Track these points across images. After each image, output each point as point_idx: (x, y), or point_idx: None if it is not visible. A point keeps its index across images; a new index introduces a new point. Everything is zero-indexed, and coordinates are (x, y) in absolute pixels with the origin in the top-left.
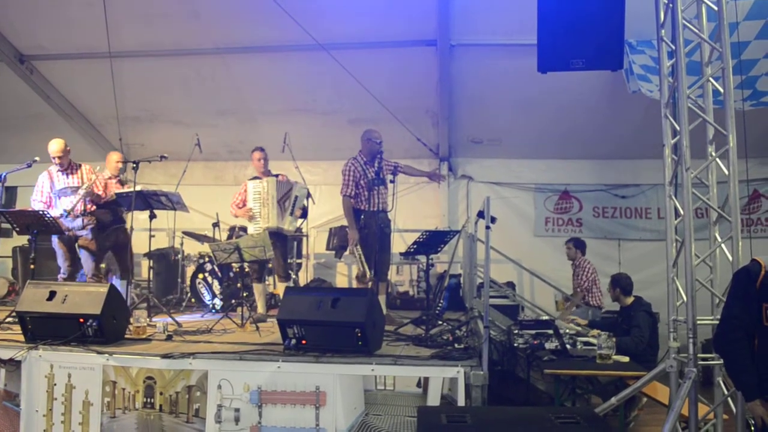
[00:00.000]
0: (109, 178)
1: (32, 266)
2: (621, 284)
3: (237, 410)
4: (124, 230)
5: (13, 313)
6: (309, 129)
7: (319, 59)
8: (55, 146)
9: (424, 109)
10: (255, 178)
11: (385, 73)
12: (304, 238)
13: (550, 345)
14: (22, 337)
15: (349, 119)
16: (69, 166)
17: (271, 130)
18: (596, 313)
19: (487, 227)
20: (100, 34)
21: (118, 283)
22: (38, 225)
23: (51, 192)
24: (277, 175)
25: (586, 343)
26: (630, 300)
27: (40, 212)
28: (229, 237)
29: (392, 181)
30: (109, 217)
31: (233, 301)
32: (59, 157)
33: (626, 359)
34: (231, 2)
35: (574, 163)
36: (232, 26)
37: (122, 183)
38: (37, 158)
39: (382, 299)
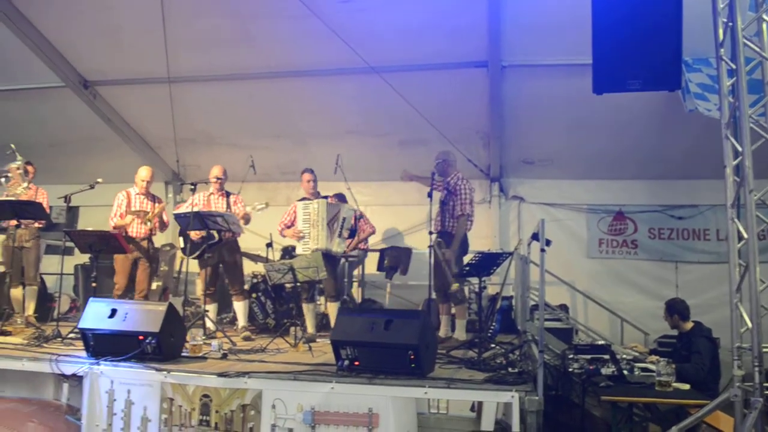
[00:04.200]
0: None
1: (94, 284)
2: (677, 309)
3: (290, 430)
4: (229, 249)
5: (76, 329)
6: (360, 150)
7: (371, 82)
8: (145, 172)
9: (475, 130)
10: (304, 199)
11: (435, 95)
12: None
13: (607, 370)
14: (84, 353)
15: (399, 141)
16: (147, 193)
17: (322, 152)
18: None
19: (542, 250)
20: (160, 60)
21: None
22: (100, 244)
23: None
24: (326, 197)
25: (644, 369)
26: (689, 325)
27: (104, 233)
28: (282, 257)
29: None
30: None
31: (285, 321)
32: (148, 182)
33: (687, 387)
34: (284, 27)
35: (628, 184)
36: (286, 51)
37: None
38: (99, 179)
39: (461, 324)
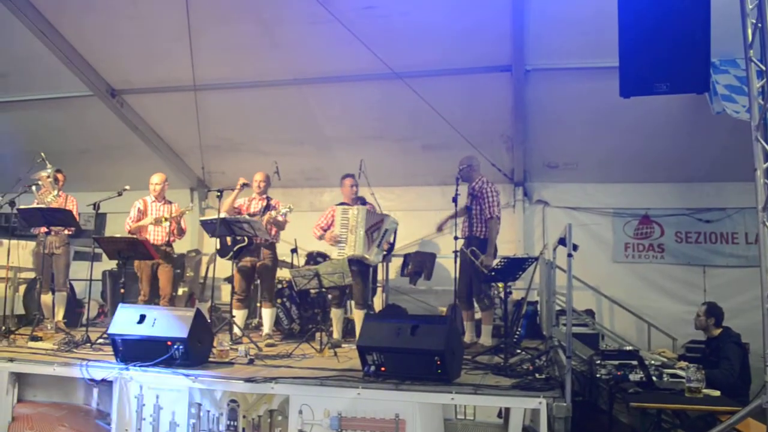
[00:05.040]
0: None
1: (122, 290)
2: (717, 313)
3: None
4: (267, 254)
5: (105, 335)
6: (383, 156)
7: (394, 87)
8: (156, 178)
9: (498, 134)
10: (343, 203)
11: (459, 100)
12: (379, 265)
13: (635, 376)
14: (113, 358)
15: (423, 145)
16: (163, 199)
17: (346, 157)
18: None
19: (570, 255)
20: (185, 68)
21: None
22: (128, 251)
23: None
24: (365, 202)
25: (672, 376)
26: (718, 331)
27: (132, 239)
28: (307, 263)
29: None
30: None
31: (311, 326)
32: (160, 187)
33: (717, 393)
34: (308, 34)
35: (655, 187)
36: (309, 57)
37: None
38: (127, 186)
39: (487, 330)
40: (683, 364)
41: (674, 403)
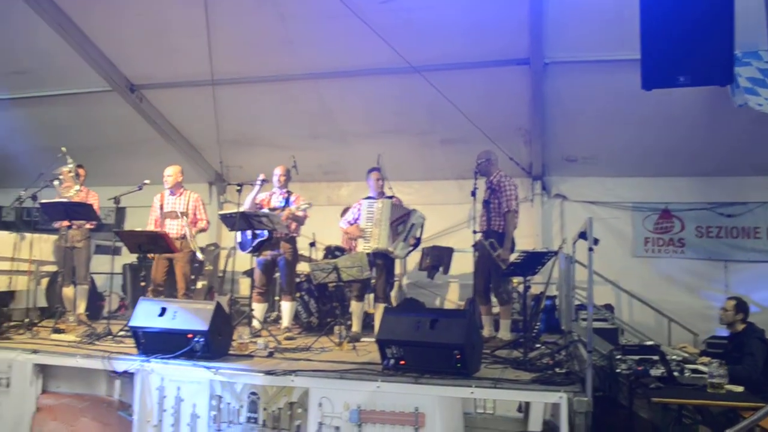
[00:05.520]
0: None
1: (143, 283)
2: (745, 309)
3: (337, 428)
4: (288, 248)
5: (126, 327)
6: (401, 150)
7: (411, 81)
8: (168, 170)
9: (516, 127)
10: (369, 198)
11: (476, 93)
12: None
13: (656, 371)
14: (134, 350)
15: (440, 139)
16: (178, 191)
17: (364, 152)
18: None
19: (590, 249)
20: (203, 63)
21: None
22: (149, 244)
23: (159, 213)
24: (391, 197)
25: (694, 371)
26: (742, 326)
27: (153, 233)
28: (325, 257)
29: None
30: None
31: (329, 319)
32: (172, 178)
33: (740, 389)
34: (325, 28)
35: (675, 181)
36: (326, 51)
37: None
38: (147, 181)
39: (506, 324)
40: (705, 359)
41: (696, 398)
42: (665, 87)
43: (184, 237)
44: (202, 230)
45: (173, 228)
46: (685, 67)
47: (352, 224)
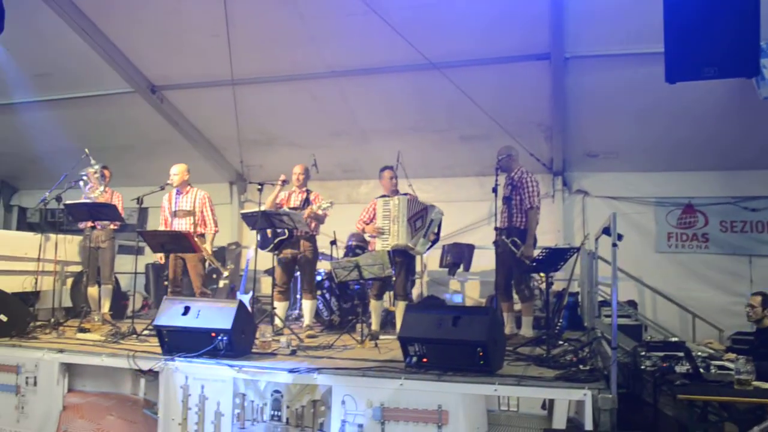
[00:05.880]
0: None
1: (165, 282)
2: None
3: (360, 426)
4: (307, 246)
5: (151, 326)
6: (421, 147)
7: (431, 78)
8: (173, 168)
9: (537, 123)
10: (383, 196)
11: (496, 89)
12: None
13: (681, 368)
14: (159, 349)
15: (460, 136)
16: (183, 189)
17: (383, 149)
18: None
19: (614, 245)
20: (223, 63)
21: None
22: (171, 244)
23: (168, 212)
24: (405, 194)
25: (720, 367)
26: None
27: (175, 233)
28: (346, 255)
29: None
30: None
31: (351, 317)
32: (177, 177)
33: None
34: (344, 26)
35: (698, 175)
36: (345, 49)
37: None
38: (169, 181)
39: (528, 321)
40: (731, 355)
41: (723, 395)
42: (689, 79)
43: (201, 235)
44: (215, 233)
45: (181, 227)
46: (710, 59)
47: (368, 224)
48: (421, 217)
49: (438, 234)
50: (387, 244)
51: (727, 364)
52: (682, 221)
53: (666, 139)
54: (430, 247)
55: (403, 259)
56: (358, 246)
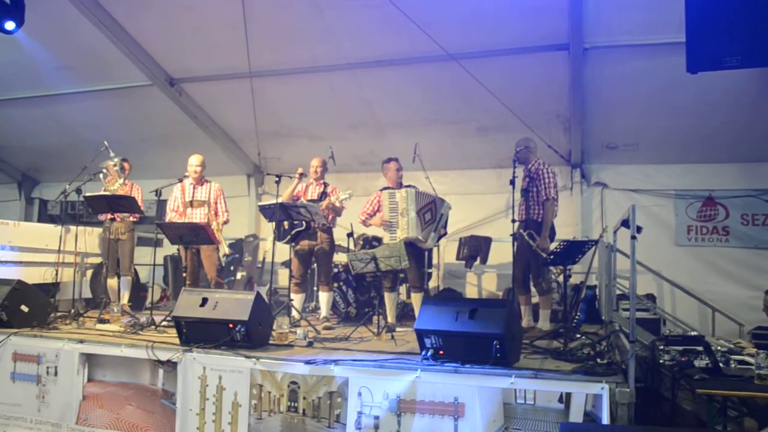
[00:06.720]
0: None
1: (184, 274)
2: None
3: (377, 418)
4: (324, 238)
5: (169, 317)
6: (437, 139)
7: (448, 69)
8: (193, 159)
9: (555, 114)
10: (388, 188)
11: (514, 80)
12: (434, 248)
13: (700, 363)
14: (177, 340)
15: (477, 128)
16: (200, 180)
17: (400, 141)
18: None
19: (633, 237)
20: (241, 56)
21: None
22: (190, 236)
23: (181, 203)
24: (409, 186)
25: (740, 362)
26: None
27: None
28: (363, 247)
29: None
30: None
31: (367, 309)
32: (198, 168)
33: None
34: (361, 17)
35: (719, 167)
36: (363, 41)
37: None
38: (187, 173)
39: (545, 314)
40: (752, 350)
41: (743, 390)
42: (712, 69)
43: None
44: (225, 222)
45: (196, 217)
46: (733, 49)
47: (370, 215)
48: (431, 210)
49: (445, 228)
50: (395, 237)
51: (747, 358)
52: (702, 214)
53: (686, 130)
54: (438, 240)
55: (412, 250)
56: (375, 238)
